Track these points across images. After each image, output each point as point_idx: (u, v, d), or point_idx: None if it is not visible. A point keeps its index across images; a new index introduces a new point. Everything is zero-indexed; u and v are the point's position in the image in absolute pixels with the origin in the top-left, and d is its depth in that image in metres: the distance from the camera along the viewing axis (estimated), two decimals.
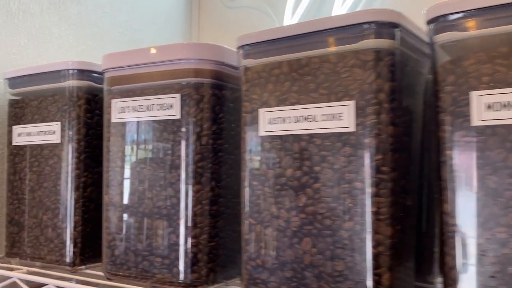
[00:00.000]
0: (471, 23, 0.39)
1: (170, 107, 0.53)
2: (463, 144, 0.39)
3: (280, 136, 0.47)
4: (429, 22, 0.42)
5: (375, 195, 0.42)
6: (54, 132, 0.64)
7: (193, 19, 1.14)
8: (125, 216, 0.56)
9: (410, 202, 0.45)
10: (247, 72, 0.50)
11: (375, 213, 0.42)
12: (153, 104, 0.55)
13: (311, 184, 0.45)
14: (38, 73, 0.66)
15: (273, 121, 0.47)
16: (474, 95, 0.38)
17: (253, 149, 0.49)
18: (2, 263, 0.68)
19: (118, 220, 0.57)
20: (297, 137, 0.46)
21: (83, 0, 0.88)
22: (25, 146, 0.67)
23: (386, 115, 0.42)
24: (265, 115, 0.48)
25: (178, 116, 0.53)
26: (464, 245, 0.38)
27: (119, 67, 0.58)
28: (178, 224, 0.53)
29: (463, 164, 0.39)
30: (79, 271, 0.63)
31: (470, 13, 0.39)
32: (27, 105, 0.67)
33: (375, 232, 0.42)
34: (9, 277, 0.62)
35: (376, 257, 0.42)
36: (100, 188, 0.65)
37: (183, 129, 0.53)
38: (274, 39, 0.48)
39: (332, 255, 0.44)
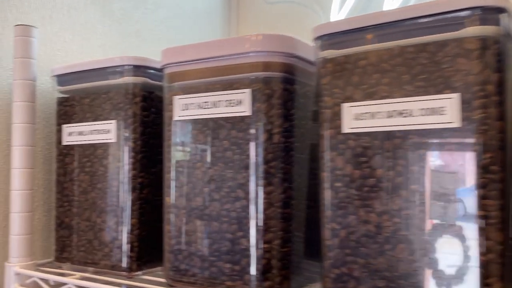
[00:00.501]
0: None
1: (239, 103, 0.50)
2: None
3: (369, 133, 0.43)
4: None
5: (483, 197, 0.38)
6: (109, 131, 0.61)
7: (232, 16, 1.11)
8: (189, 219, 0.53)
9: None
10: (327, 64, 0.46)
11: (484, 217, 0.38)
12: (220, 101, 0.51)
13: (406, 185, 0.41)
14: (91, 70, 0.63)
15: (359, 116, 0.44)
16: None
17: (335, 147, 0.45)
18: (52, 268, 0.65)
19: (181, 223, 0.53)
20: (390, 134, 0.42)
21: None
22: (76, 145, 0.64)
23: (494, 109, 0.38)
24: (349, 110, 0.44)
25: (248, 113, 0.50)
26: None
27: (181, 62, 0.54)
28: (249, 228, 0.49)
29: None
30: (135, 277, 0.59)
31: None
32: (78, 103, 0.64)
33: (485, 238, 0.38)
34: (62, 283, 0.59)
35: (485, 265, 0.38)
36: (156, 189, 0.62)
37: (254, 127, 0.49)
38: (361, 27, 0.44)
39: (430, 263, 0.40)
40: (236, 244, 0.50)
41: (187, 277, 0.53)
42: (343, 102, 0.45)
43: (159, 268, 0.62)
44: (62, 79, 0.67)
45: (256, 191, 0.49)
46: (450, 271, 0.39)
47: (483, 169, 0.38)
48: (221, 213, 0.51)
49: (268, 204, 0.49)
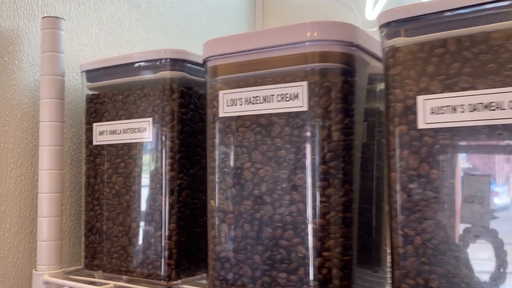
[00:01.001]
0: None
1: (295, 97, 0.46)
2: None
3: (450, 129, 0.39)
4: None
5: None
6: (144, 129, 0.57)
7: (257, 10, 1.07)
8: (238, 224, 0.48)
9: None
10: (397, 54, 0.42)
11: None
12: (272, 95, 0.47)
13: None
14: (124, 64, 0.59)
15: (438, 110, 0.39)
16: None
17: (408, 145, 0.41)
18: (82, 276, 0.61)
19: (228, 228, 0.49)
20: (474, 130, 0.38)
21: None
22: (108, 145, 0.60)
23: None
24: (425, 103, 0.40)
25: (305, 108, 0.45)
26: None
27: (227, 54, 0.50)
28: (307, 234, 0.45)
29: None
30: (174, 286, 0.55)
31: None
32: (110, 100, 0.60)
33: None
34: None
35: None
36: (195, 191, 0.58)
37: (311, 123, 0.45)
38: (437, 11, 0.40)
39: None
40: (292, 251, 0.45)
41: (235, 287, 0.48)
42: (417, 95, 0.40)
43: (198, 277, 0.57)
44: (92, 75, 0.63)
45: (314, 193, 0.45)
46: None
47: None
48: (274, 218, 0.46)
49: (327, 208, 0.44)
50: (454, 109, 0.38)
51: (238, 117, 0.49)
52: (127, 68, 0.59)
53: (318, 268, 0.44)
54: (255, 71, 0.49)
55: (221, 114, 0.50)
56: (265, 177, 0.47)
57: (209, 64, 0.52)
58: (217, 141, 0.51)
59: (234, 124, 0.49)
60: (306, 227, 0.45)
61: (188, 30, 0.89)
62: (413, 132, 0.40)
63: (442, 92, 0.39)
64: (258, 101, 0.48)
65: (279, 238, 0.46)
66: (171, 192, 0.55)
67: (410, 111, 0.41)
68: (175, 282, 0.55)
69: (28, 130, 0.62)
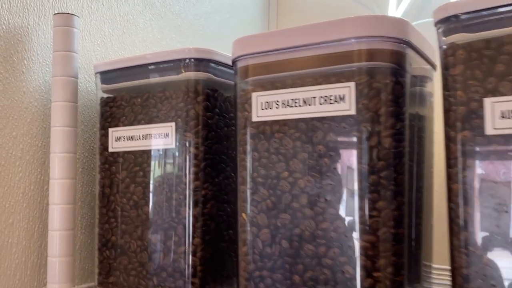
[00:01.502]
0: None
1: (340, 99, 0.41)
2: None
3: None
4: None
5: None
6: (167, 135, 0.52)
7: (271, 10, 1.03)
8: (274, 240, 0.44)
9: None
10: (458, 51, 0.38)
11: None
12: (314, 97, 0.42)
13: None
14: (143, 65, 0.54)
15: (509, 114, 0.35)
16: None
17: (472, 152, 0.36)
18: None
19: (262, 245, 0.45)
20: None
21: None
22: (125, 152, 0.55)
23: None
24: (494, 106, 0.35)
25: (352, 111, 0.41)
26: None
27: (260, 53, 0.46)
28: (354, 252, 0.40)
29: None
30: None
31: None
32: (127, 104, 0.56)
33: None
34: None
35: None
36: (220, 202, 0.53)
37: (359, 128, 0.41)
38: (507, 4, 0.35)
39: None
40: (337, 271, 0.41)
41: None
42: (484, 97, 0.36)
43: None
44: (107, 76, 0.58)
45: (362, 207, 0.40)
46: None
47: None
48: (317, 234, 0.42)
49: (378, 223, 0.40)
50: None
51: (274, 121, 0.45)
52: (146, 69, 0.54)
53: None
54: (293, 71, 0.44)
55: (254, 119, 0.46)
56: (306, 188, 0.43)
57: (240, 64, 0.48)
58: (249, 147, 0.46)
59: (269, 129, 0.45)
60: (353, 245, 0.40)
61: (202, 30, 0.85)
62: (479, 138, 0.36)
63: None
64: (297, 104, 0.43)
65: (323, 256, 0.41)
66: (196, 204, 0.51)
67: (475, 115, 0.36)
68: None
69: (38, 136, 0.57)
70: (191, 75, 0.51)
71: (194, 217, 0.50)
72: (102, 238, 0.57)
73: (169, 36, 0.78)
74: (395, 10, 0.86)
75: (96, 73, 0.59)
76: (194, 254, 0.50)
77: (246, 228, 0.46)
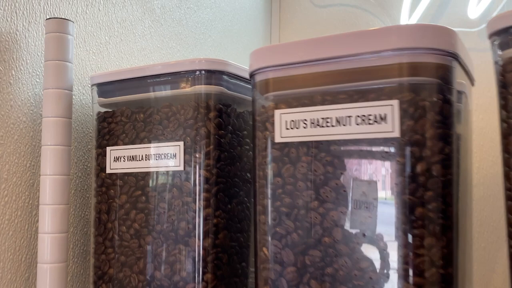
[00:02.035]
0: None
1: (381, 119, 0.36)
2: None
3: None
4: None
5: None
6: (174, 156, 0.46)
7: (273, 20, 0.98)
8: (301, 280, 0.38)
9: None
10: None
11: None
12: (349, 116, 0.37)
13: None
14: (147, 77, 0.49)
15: None
16: None
17: None
18: None
19: (288, 285, 0.39)
20: None
21: None
22: (125, 174, 0.49)
23: None
24: None
25: (395, 133, 0.35)
26: None
27: (284, 65, 0.40)
28: None
29: None
30: None
31: None
32: (128, 119, 0.50)
33: None
34: None
35: None
36: (232, 232, 0.47)
37: (404, 153, 0.35)
38: None
39: None
40: None
41: None
42: None
43: None
44: (105, 88, 0.52)
45: (406, 244, 0.35)
46: None
47: None
48: (353, 274, 0.36)
49: (425, 263, 0.35)
50: None
51: (301, 143, 0.39)
52: (150, 81, 0.49)
53: None
54: (323, 86, 0.39)
55: (277, 139, 0.40)
56: (340, 220, 0.37)
57: (259, 78, 0.42)
58: (271, 172, 0.40)
59: (295, 152, 0.39)
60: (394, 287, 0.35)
61: (203, 39, 0.79)
62: None
63: None
64: (329, 124, 0.38)
65: None
66: (206, 234, 0.45)
67: None
68: None
69: (27, 155, 0.51)
70: (202, 88, 0.46)
71: (205, 249, 0.45)
72: (98, 271, 0.50)
73: (169, 45, 0.72)
74: (407, 20, 0.82)
75: (93, 85, 0.53)
76: None
77: (268, 265, 0.40)
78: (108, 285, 0.49)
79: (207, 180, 0.45)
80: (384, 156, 0.36)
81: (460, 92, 0.40)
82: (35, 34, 0.52)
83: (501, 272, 0.70)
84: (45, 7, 0.53)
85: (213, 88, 0.46)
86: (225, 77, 0.47)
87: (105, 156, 0.50)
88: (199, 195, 0.45)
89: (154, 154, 0.47)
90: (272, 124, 0.40)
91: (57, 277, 0.48)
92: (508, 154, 0.33)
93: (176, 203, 0.46)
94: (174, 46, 0.73)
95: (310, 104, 0.39)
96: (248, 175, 0.50)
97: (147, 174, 0.48)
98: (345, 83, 0.38)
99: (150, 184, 0.47)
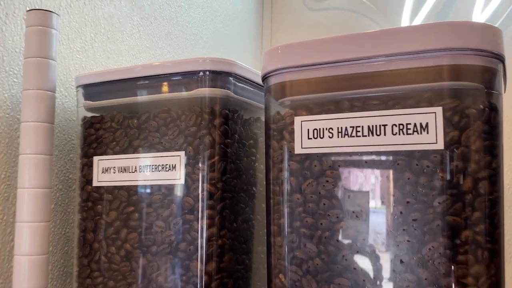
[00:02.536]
0: None
1: (422, 129, 0.31)
2: None
3: None
4: None
5: None
6: (173, 167, 0.41)
7: (265, 22, 0.93)
8: None
9: None
10: None
11: None
12: (384, 125, 0.32)
13: None
14: (142, 78, 0.43)
15: None
16: None
17: None
18: None
19: None
20: None
21: None
22: (115, 188, 0.43)
23: None
24: None
25: (439, 145, 0.31)
26: None
27: (306, 66, 0.35)
28: None
29: None
30: None
31: None
32: (119, 125, 0.44)
33: None
34: None
35: None
36: (238, 254, 0.42)
37: (449, 167, 0.31)
38: None
39: None
40: None
41: None
42: None
43: None
44: (93, 90, 0.46)
45: (450, 272, 0.30)
46: None
47: None
48: None
49: None
50: None
51: (326, 154, 0.34)
52: (146, 82, 0.43)
53: None
54: (352, 89, 0.34)
55: (297, 150, 0.35)
56: (371, 244, 0.32)
57: (274, 81, 0.37)
58: (289, 187, 0.35)
59: (318, 165, 0.34)
60: None
61: (194, 40, 0.74)
62: None
63: None
64: (359, 133, 0.33)
65: None
66: (210, 257, 0.39)
67: None
68: None
69: (1, 165, 0.44)
70: (206, 91, 0.41)
71: (208, 274, 0.39)
72: None
73: (159, 45, 0.66)
74: (409, 24, 0.78)
75: (78, 86, 0.47)
76: None
77: None
78: None
79: (211, 196, 0.40)
80: (425, 171, 0.31)
81: None
82: (13, 27, 0.46)
83: None
84: None
85: (218, 92, 0.41)
86: (232, 79, 0.42)
87: (92, 167, 0.45)
88: (202, 212, 0.39)
89: (149, 165, 0.42)
90: (291, 133, 0.35)
91: None
92: None
93: (175, 221, 0.40)
94: (164, 47, 0.67)
95: (336, 111, 0.34)
96: (254, 189, 0.45)
97: (141, 188, 0.42)
98: (377, 87, 0.33)
99: (145, 200, 0.42)
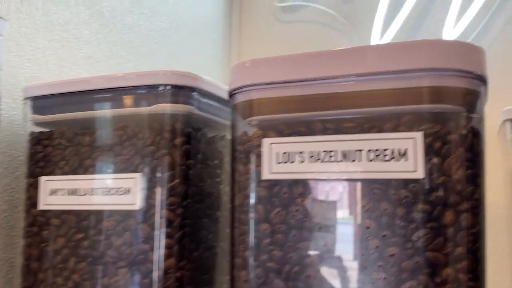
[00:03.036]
0: None
1: (400, 156, 0.29)
2: None
3: None
4: None
5: None
6: (128, 191, 0.37)
7: (232, 33, 0.90)
8: None
9: None
10: None
11: None
12: (359, 150, 0.30)
13: None
14: (96, 90, 0.39)
15: None
16: None
17: None
18: None
19: None
20: None
21: None
22: (64, 212, 0.39)
23: None
24: None
25: (419, 174, 0.28)
26: None
27: (276, 83, 0.32)
28: None
29: None
30: None
31: None
32: (69, 143, 0.40)
33: None
34: None
35: None
36: (199, 287, 0.38)
37: (429, 198, 0.28)
38: None
39: None
40: None
41: None
42: None
43: None
44: (42, 103, 0.42)
45: None
46: None
47: None
48: None
49: None
50: None
51: (296, 181, 0.31)
52: (101, 96, 0.39)
53: None
54: (325, 110, 0.32)
55: (265, 175, 0.32)
56: (345, 281, 0.29)
57: (241, 98, 0.34)
58: (255, 216, 0.32)
59: (288, 192, 0.31)
60: None
61: (157, 49, 0.70)
62: None
63: None
64: (333, 159, 0.30)
65: None
66: None
67: None
68: None
69: None
70: (167, 107, 0.37)
71: None
72: None
73: (119, 54, 0.62)
74: (379, 41, 0.77)
75: (26, 98, 0.43)
76: None
77: None
78: None
79: (170, 223, 0.36)
80: (405, 202, 0.29)
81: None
82: None
83: None
84: None
85: (181, 108, 0.37)
86: (196, 94, 0.38)
87: (38, 188, 0.40)
88: (160, 241, 0.36)
89: (102, 188, 0.38)
90: (259, 156, 0.32)
91: None
92: None
93: (129, 251, 0.36)
94: (124, 55, 0.63)
95: (308, 133, 0.31)
96: (218, 213, 0.42)
97: (92, 213, 0.38)
98: (352, 109, 0.31)
99: (96, 226, 0.38)
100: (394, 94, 0.30)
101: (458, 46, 0.30)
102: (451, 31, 0.72)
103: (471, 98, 0.30)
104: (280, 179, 0.31)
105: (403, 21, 0.76)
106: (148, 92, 0.37)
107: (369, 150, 0.29)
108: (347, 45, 0.81)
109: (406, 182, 0.29)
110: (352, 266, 0.29)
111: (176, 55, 0.75)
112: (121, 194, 0.37)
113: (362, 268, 0.29)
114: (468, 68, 0.30)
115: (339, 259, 0.30)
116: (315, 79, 0.31)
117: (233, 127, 0.35)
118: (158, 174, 0.36)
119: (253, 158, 0.33)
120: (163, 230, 0.36)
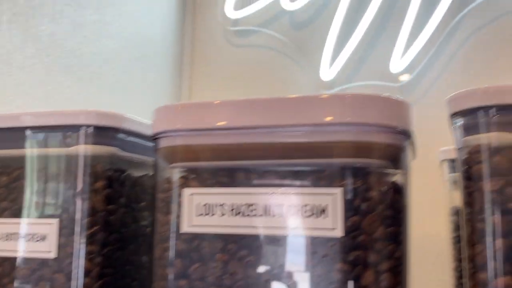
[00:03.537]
0: None
1: (319, 212, 0.28)
2: None
3: None
4: None
5: None
6: (43, 238, 0.35)
7: (184, 57, 0.89)
8: None
9: None
10: (496, 157, 0.26)
11: None
12: (281, 205, 0.29)
13: None
14: (12, 128, 0.37)
15: None
16: None
17: None
18: None
19: None
20: None
21: (59, 16, 0.60)
22: None
23: None
24: None
25: (338, 232, 0.27)
26: None
27: (199, 130, 0.31)
28: None
29: None
30: None
31: None
32: None
33: None
34: None
35: None
36: None
37: (348, 257, 0.27)
38: None
39: None
40: None
41: None
42: None
43: None
44: None
45: None
46: None
47: None
48: None
49: None
50: None
51: (217, 235, 0.30)
52: (17, 134, 0.37)
53: None
54: (249, 160, 0.30)
55: (185, 228, 0.30)
56: None
57: (164, 143, 0.32)
58: (173, 271, 0.31)
59: (208, 247, 0.30)
60: None
61: (100, 73, 0.68)
62: None
63: None
64: (254, 213, 0.29)
65: None
66: None
67: None
68: None
69: None
70: (88, 149, 0.35)
71: None
72: None
73: (57, 79, 0.60)
74: (328, 69, 0.77)
75: None
76: None
77: None
78: None
79: (88, 273, 0.34)
80: (321, 261, 0.28)
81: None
82: None
83: None
84: None
85: (103, 149, 0.36)
86: (120, 135, 0.37)
87: None
88: None
89: (16, 234, 0.35)
90: (179, 206, 0.31)
91: None
92: (474, 267, 0.27)
93: None
94: (63, 81, 0.61)
95: (230, 184, 0.30)
96: (145, 257, 0.40)
97: (4, 261, 0.35)
98: (276, 160, 0.30)
99: (8, 274, 0.35)
100: (316, 147, 0.29)
101: (381, 100, 0.29)
102: (399, 61, 0.73)
103: (394, 153, 0.30)
104: (199, 233, 0.30)
105: (353, 50, 0.77)
106: (69, 132, 0.35)
107: (290, 205, 0.28)
108: (297, 72, 0.81)
109: (326, 240, 0.28)
110: None
111: (122, 80, 0.72)
112: (37, 241, 0.35)
113: None
114: (392, 124, 0.29)
115: None
116: (237, 128, 0.30)
117: (156, 173, 0.33)
118: (77, 221, 0.34)
119: (174, 208, 0.31)
120: (81, 281, 0.34)
